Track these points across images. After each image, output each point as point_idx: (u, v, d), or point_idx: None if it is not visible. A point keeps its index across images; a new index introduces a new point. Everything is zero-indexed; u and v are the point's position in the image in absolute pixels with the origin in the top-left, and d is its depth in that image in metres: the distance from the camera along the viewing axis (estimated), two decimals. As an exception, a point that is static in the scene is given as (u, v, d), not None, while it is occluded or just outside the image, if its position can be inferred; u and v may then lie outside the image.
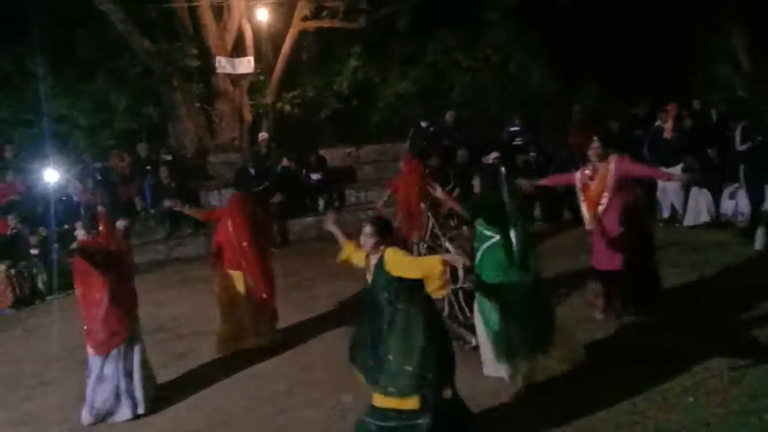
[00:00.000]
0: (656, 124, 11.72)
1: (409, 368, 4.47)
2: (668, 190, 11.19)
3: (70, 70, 15.66)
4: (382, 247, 4.65)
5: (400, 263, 4.51)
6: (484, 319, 5.79)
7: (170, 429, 5.93)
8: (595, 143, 7.11)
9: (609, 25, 15.64)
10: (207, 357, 7.44)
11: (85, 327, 6.13)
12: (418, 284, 4.51)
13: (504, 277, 5.61)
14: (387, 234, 4.71)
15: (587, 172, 7.15)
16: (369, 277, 4.77)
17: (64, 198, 12.45)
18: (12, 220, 11.09)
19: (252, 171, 13.08)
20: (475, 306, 5.94)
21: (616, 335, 6.83)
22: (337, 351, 7.16)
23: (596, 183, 7.01)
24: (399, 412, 4.53)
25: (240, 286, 7.30)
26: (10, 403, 6.70)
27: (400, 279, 4.52)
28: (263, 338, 7.36)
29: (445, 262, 4.42)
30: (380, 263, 4.59)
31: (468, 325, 6.65)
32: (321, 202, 13.64)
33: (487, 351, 5.93)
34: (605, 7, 15.25)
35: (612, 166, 6.91)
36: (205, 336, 7.82)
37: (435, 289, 4.50)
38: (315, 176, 13.69)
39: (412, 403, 4.50)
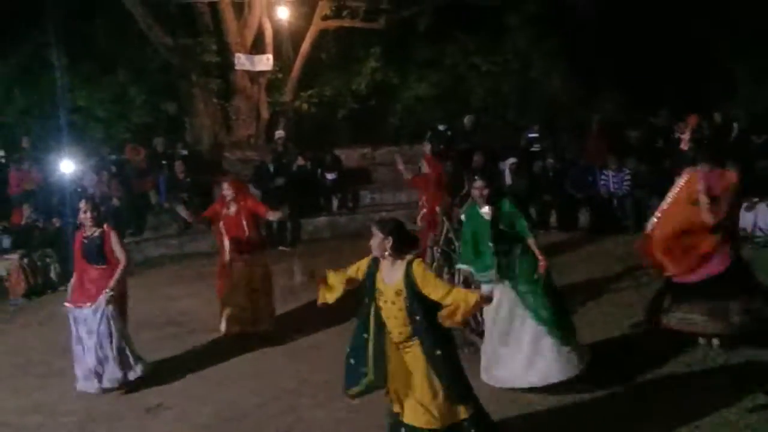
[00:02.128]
0: (676, 135, 11.60)
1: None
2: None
3: (89, 62, 15.70)
4: (402, 255, 4.40)
5: (432, 283, 4.32)
6: (533, 313, 5.69)
7: (179, 423, 5.90)
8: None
9: (631, 34, 15.52)
10: (217, 352, 7.43)
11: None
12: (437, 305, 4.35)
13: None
14: (401, 236, 4.43)
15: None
16: (385, 285, 4.43)
17: (79, 189, 12.46)
18: (27, 210, 11.13)
19: (271, 168, 13.05)
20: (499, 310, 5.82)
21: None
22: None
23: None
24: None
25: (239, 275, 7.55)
26: (20, 392, 6.71)
27: (425, 297, 4.32)
28: (261, 326, 7.61)
29: (481, 300, 4.31)
30: (409, 275, 4.33)
31: (480, 332, 6.58)
32: (335, 203, 13.60)
33: (488, 358, 5.87)
34: (627, 15, 15.14)
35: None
36: (217, 331, 7.80)
37: (455, 319, 4.26)
38: (330, 176, 13.65)
39: (463, 412, 4.42)
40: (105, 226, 6.48)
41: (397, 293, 4.36)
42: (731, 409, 5.19)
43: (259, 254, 7.79)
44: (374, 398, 5.83)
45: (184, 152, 14.13)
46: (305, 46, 15.86)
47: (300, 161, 13.58)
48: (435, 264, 7.43)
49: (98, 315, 6.26)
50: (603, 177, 12.03)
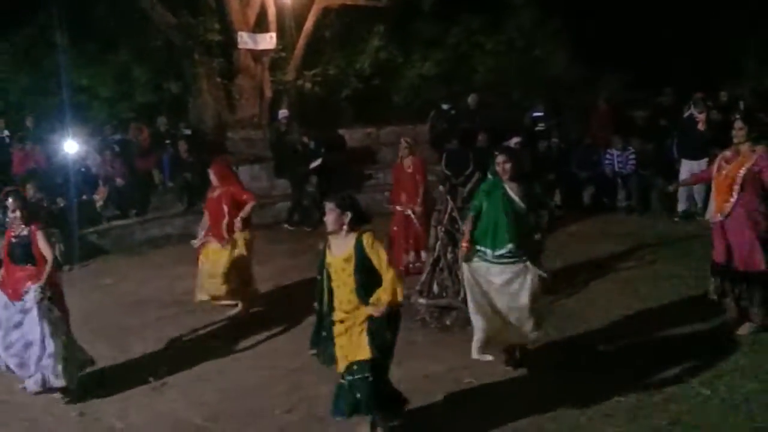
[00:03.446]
0: (687, 113, 11.45)
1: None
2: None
3: (92, 42, 15.65)
4: (346, 227, 4.71)
5: (377, 253, 4.67)
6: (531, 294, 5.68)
7: (182, 402, 5.93)
8: (739, 123, 6.33)
9: (635, 12, 15.41)
10: (221, 332, 7.48)
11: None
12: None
13: None
14: (358, 211, 4.75)
15: (728, 153, 6.42)
16: (332, 258, 4.77)
17: (83, 169, 12.47)
18: (30, 189, 11.11)
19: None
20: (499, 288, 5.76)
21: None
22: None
23: (730, 168, 6.28)
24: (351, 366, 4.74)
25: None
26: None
27: (372, 265, 4.67)
28: (235, 297, 7.76)
29: (397, 280, 4.67)
30: (359, 243, 4.66)
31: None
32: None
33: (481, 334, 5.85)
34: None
35: (756, 157, 6.11)
36: (220, 311, 7.83)
37: (379, 305, 4.64)
38: (321, 159, 13.55)
39: (363, 353, 4.68)
40: (33, 225, 6.11)
41: (347, 260, 4.69)
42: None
43: (238, 238, 7.68)
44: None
45: (188, 131, 14.06)
46: (308, 25, 15.74)
47: (303, 140, 13.52)
48: (439, 243, 7.41)
49: (27, 314, 5.97)
50: (608, 156, 11.99)
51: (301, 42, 15.86)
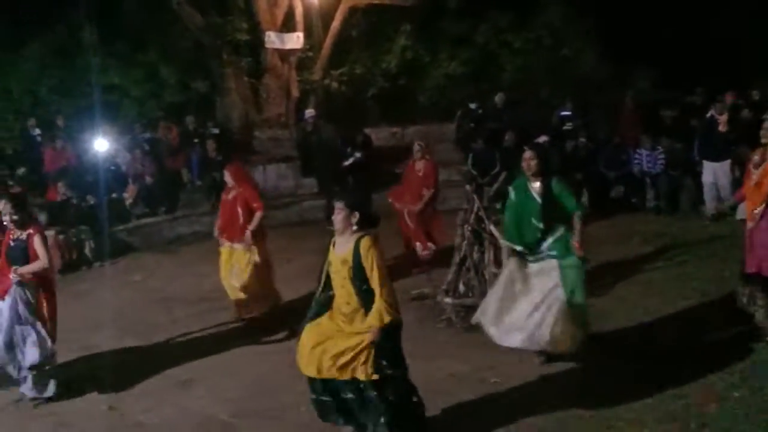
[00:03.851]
0: (709, 114, 11.34)
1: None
2: (717, 184, 10.79)
3: (122, 41, 15.83)
4: (355, 228, 4.62)
5: (369, 265, 4.51)
6: (568, 290, 5.66)
7: (208, 398, 5.99)
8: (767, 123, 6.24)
9: (665, 11, 15.23)
10: (248, 328, 7.51)
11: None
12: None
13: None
14: (366, 212, 4.67)
15: (756, 157, 6.36)
16: (333, 256, 4.71)
17: (113, 167, 12.65)
18: (62, 187, 11.29)
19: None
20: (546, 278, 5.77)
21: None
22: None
23: (759, 174, 6.25)
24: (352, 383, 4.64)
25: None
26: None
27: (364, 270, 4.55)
28: (254, 310, 7.70)
29: (386, 300, 4.49)
30: (357, 247, 4.56)
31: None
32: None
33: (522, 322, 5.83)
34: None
35: None
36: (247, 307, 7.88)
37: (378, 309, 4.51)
38: (359, 154, 13.61)
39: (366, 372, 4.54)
40: (31, 228, 6.02)
41: (343, 262, 4.61)
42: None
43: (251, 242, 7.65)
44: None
45: (216, 130, 14.19)
46: (335, 24, 15.77)
47: (328, 136, 13.55)
48: (465, 243, 7.39)
49: (8, 302, 5.93)
50: (636, 156, 11.87)
51: (328, 41, 15.90)
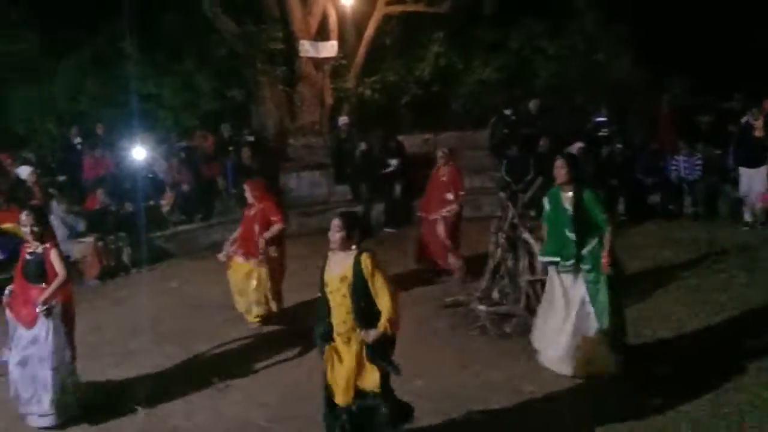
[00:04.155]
0: (744, 120, 11.19)
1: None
2: (753, 192, 10.61)
3: (159, 51, 16.11)
4: (354, 246, 4.60)
5: (375, 276, 4.51)
6: (598, 313, 5.67)
7: (245, 403, 6.04)
8: None
9: (702, 15, 15.01)
10: (283, 335, 7.56)
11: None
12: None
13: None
14: (357, 229, 4.64)
15: None
16: (329, 276, 4.66)
17: (150, 175, 12.84)
18: (101, 195, 11.50)
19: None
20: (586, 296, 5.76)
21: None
22: (413, 336, 7.17)
23: None
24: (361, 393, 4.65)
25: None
26: (95, 370, 6.91)
27: (368, 288, 4.53)
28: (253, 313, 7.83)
29: (394, 308, 4.49)
30: (358, 263, 4.52)
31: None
32: (398, 188, 13.59)
33: (555, 345, 5.83)
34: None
35: None
36: (281, 314, 7.94)
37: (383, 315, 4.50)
38: (392, 162, 13.65)
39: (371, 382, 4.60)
40: (48, 243, 5.87)
41: (342, 280, 4.57)
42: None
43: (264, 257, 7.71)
44: (437, 382, 5.89)
45: (251, 138, 14.33)
46: (369, 32, 15.85)
47: (363, 147, 13.60)
48: (499, 250, 7.37)
49: (35, 343, 5.76)
50: (674, 162, 11.73)
51: (362, 49, 15.98)
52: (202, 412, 5.94)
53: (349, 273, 4.54)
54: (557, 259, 5.83)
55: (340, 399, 4.70)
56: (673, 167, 11.71)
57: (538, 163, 11.60)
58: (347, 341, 4.65)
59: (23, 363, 5.77)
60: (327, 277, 4.70)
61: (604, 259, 5.67)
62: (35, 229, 5.81)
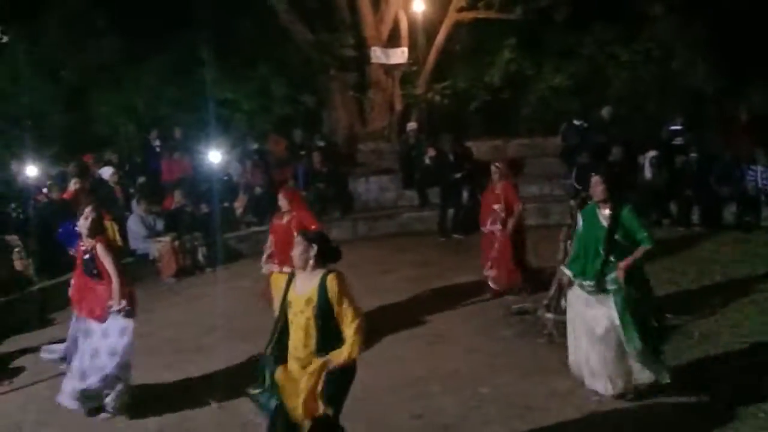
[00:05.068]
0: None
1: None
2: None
3: (235, 57, 16.57)
4: (322, 266, 4.39)
5: (343, 302, 4.29)
6: (631, 329, 5.51)
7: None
8: None
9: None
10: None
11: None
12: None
13: None
14: (325, 246, 4.43)
15: None
16: (294, 296, 4.42)
17: (225, 178, 13.24)
18: (178, 195, 11.93)
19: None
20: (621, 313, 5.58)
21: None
22: (477, 343, 7.23)
23: None
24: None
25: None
26: (172, 366, 7.20)
27: (333, 311, 4.32)
28: None
29: (359, 335, 4.29)
30: (323, 285, 4.30)
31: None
32: (465, 195, 13.59)
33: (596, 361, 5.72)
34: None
35: None
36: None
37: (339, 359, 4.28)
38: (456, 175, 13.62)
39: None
40: (97, 238, 5.98)
41: (307, 302, 4.32)
42: None
43: None
44: (503, 389, 5.92)
45: (321, 143, 14.62)
46: (440, 38, 15.91)
47: (431, 153, 13.64)
48: (567, 258, 7.33)
49: (117, 331, 5.96)
50: (751, 172, 11.39)
51: (432, 56, 16.06)
52: (272, 408, 6.10)
53: (315, 294, 4.30)
54: (581, 278, 5.67)
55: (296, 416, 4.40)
56: (751, 177, 11.38)
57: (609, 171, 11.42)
58: (304, 367, 4.37)
59: (94, 354, 6.01)
60: (291, 296, 4.44)
61: (624, 263, 5.47)
62: (93, 223, 5.98)
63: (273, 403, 4.42)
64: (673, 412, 5.38)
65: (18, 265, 9.59)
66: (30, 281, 9.65)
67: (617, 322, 5.50)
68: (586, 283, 5.65)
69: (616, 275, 5.49)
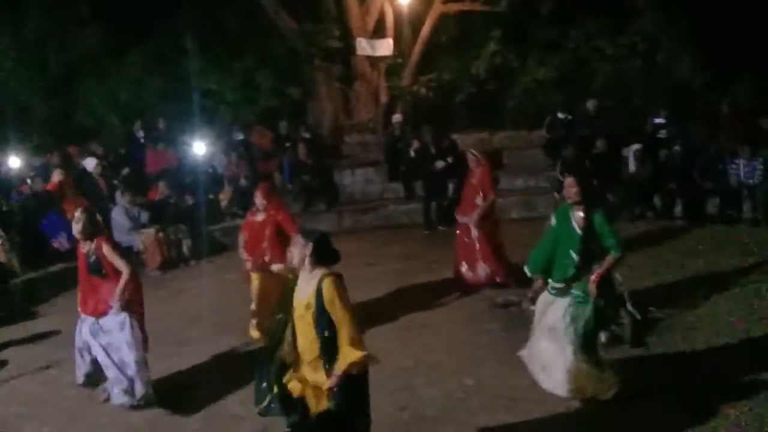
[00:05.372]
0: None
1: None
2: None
3: (220, 48, 16.48)
4: (317, 269, 4.23)
5: (336, 307, 4.13)
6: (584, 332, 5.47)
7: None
8: None
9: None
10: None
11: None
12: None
13: None
14: (322, 246, 4.27)
15: None
16: (297, 301, 4.29)
17: (210, 169, 13.18)
18: (162, 186, 11.86)
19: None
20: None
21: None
22: (462, 335, 7.27)
23: None
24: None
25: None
26: (158, 358, 7.12)
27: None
28: None
29: (353, 347, 4.13)
30: (320, 289, 4.15)
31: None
32: (450, 187, 13.63)
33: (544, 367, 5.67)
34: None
35: None
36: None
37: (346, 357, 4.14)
38: (439, 163, 13.64)
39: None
40: (97, 238, 5.91)
41: (307, 307, 4.21)
42: None
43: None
44: (488, 381, 5.95)
45: (307, 135, 14.58)
46: (425, 30, 15.90)
47: (416, 145, 13.64)
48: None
49: (116, 326, 5.96)
50: (734, 166, 11.49)
51: (418, 48, 16.05)
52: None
53: (313, 299, 4.18)
54: (547, 279, 5.60)
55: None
56: (733, 171, 11.48)
57: (594, 164, 11.51)
58: (314, 369, 4.27)
59: (110, 348, 6.00)
60: (294, 300, 4.32)
61: (594, 276, 5.36)
62: (87, 225, 5.89)
63: (284, 400, 4.33)
64: (654, 406, 5.43)
65: (2, 256, 9.53)
66: (14, 273, 9.59)
67: (569, 321, 5.44)
68: (550, 284, 5.59)
69: (587, 288, 5.39)
